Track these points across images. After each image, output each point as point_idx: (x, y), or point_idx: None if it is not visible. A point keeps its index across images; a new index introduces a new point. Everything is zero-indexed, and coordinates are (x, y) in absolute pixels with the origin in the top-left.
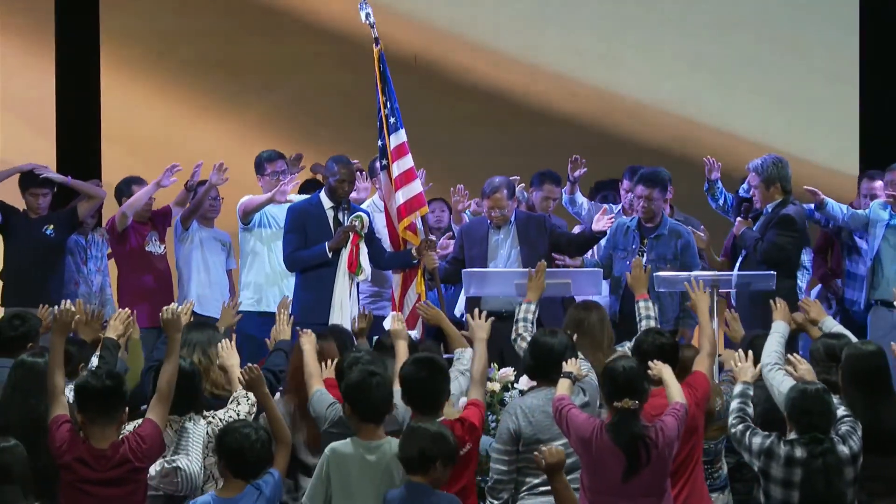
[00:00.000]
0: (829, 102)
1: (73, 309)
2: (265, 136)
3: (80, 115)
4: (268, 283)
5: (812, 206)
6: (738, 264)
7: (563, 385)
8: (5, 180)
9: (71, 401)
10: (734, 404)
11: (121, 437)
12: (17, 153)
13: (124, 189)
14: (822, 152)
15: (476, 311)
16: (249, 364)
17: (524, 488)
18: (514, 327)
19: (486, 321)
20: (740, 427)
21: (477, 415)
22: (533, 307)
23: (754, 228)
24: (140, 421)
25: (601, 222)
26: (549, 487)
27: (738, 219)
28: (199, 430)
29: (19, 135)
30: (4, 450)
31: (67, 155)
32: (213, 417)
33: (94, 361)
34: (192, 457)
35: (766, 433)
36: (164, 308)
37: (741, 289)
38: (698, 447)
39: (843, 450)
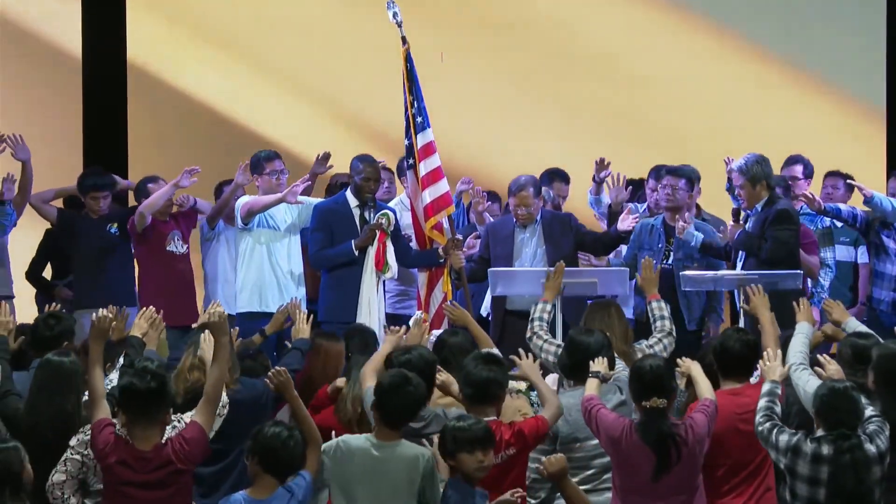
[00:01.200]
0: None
1: (110, 315)
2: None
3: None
4: (267, 283)
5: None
6: (740, 265)
7: (592, 385)
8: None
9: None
10: (761, 402)
11: (164, 438)
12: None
13: (141, 188)
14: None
15: (521, 352)
16: (277, 367)
17: None
18: (529, 326)
19: (533, 360)
20: (767, 425)
21: (533, 426)
22: (549, 307)
23: (748, 229)
24: (185, 421)
25: (626, 221)
26: (587, 487)
27: (730, 223)
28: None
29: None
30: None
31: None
32: (179, 421)
33: (121, 361)
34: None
35: (793, 430)
36: (208, 311)
37: (767, 288)
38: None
39: (871, 448)
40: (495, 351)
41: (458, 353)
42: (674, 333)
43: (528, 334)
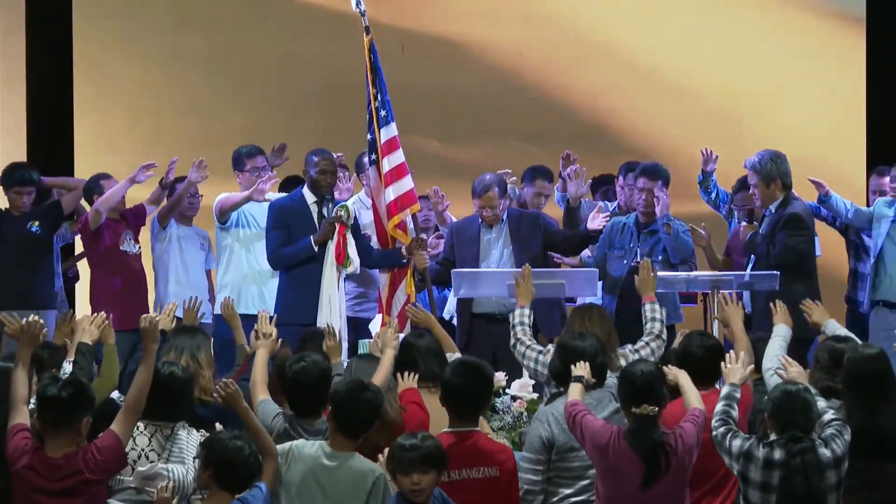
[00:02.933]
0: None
1: (41, 322)
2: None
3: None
4: (246, 284)
5: (815, 201)
6: (749, 269)
7: (575, 390)
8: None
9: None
10: (718, 406)
11: (78, 447)
12: None
13: (93, 186)
14: (828, 149)
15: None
16: (224, 379)
17: (555, 499)
18: (511, 332)
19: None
20: (722, 430)
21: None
22: (527, 311)
23: (760, 231)
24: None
25: (596, 221)
26: (582, 497)
27: (743, 223)
28: (193, 440)
29: None
30: None
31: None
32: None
33: (67, 367)
34: (188, 465)
35: (747, 435)
36: (143, 316)
37: (742, 289)
38: None
39: (825, 452)
40: (457, 354)
41: (427, 355)
42: (664, 337)
43: (512, 341)
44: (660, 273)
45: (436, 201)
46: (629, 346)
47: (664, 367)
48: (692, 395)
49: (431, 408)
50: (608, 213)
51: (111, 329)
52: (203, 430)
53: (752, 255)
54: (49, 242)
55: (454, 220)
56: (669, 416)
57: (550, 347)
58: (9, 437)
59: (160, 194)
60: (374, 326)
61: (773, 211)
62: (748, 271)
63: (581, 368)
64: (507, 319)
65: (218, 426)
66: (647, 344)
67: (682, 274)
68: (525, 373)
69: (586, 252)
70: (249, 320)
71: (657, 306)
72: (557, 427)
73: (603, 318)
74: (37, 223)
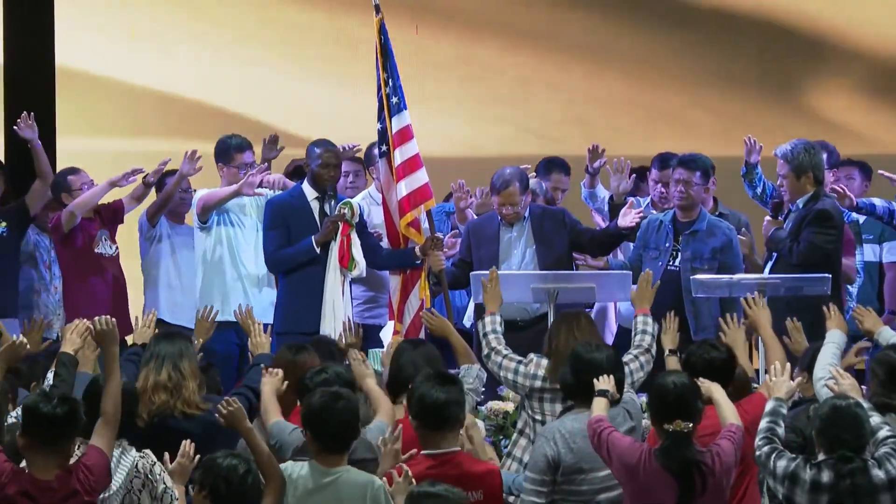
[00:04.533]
0: None
1: (24, 340)
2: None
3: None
4: (231, 289)
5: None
6: (768, 268)
7: (600, 405)
8: None
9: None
10: (763, 423)
11: (67, 467)
12: None
13: (61, 182)
14: None
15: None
16: (227, 398)
17: None
18: (483, 342)
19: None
20: (766, 449)
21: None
22: (498, 318)
23: (785, 227)
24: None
25: (628, 217)
26: None
27: (767, 218)
28: (126, 461)
29: None
30: None
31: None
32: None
33: (50, 379)
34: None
35: (793, 455)
36: (96, 318)
37: (792, 293)
38: (753, 483)
39: (878, 473)
40: (477, 366)
41: (423, 362)
42: (653, 352)
43: (485, 351)
44: (699, 276)
45: (459, 196)
46: (624, 357)
47: (697, 380)
48: (728, 410)
49: None
50: (641, 209)
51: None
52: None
53: (774, 253)
54: (17, 247)
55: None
56: (705, 431)
57: (533, 357)
58: None
59: (143, 192)
60: (386, 335)
61: (801, 206)
62: (767, 271)
63: (605, 382)
64: (531, 326)
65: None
66: (636, 357)
67: (723, 277)
68: None
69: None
70: (234, 327)
71: (650, 319)
72: (565, 446)
73: (591, 325)
74: (3, 224)
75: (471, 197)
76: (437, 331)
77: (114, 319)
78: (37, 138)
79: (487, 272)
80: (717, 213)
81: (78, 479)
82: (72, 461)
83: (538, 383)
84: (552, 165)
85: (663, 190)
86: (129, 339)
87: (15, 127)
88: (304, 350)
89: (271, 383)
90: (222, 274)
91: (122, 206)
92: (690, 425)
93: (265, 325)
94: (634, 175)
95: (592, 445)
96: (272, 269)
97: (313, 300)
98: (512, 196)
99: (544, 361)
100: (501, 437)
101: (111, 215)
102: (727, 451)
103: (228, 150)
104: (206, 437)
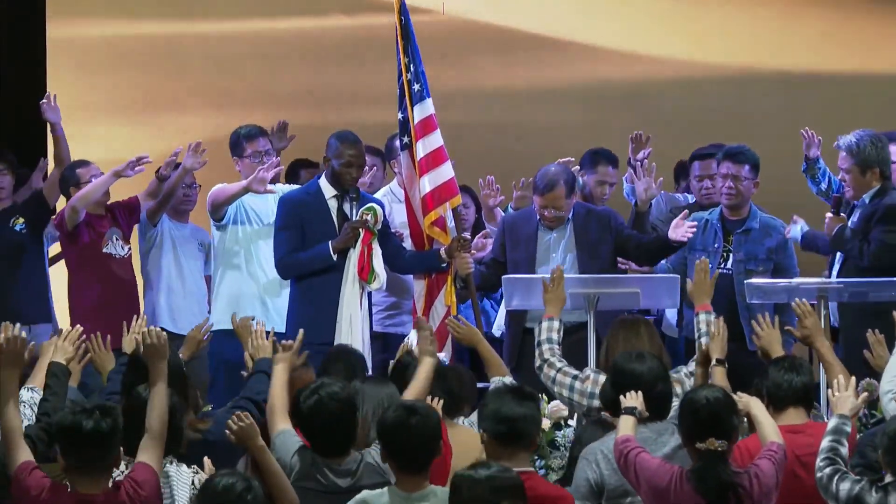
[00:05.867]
0: None
1: (24, 335)
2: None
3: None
4: (247, 294)
5: None
6: (835, 271)
7: (626, 424)
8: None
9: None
10: (824, 442)
11: (112, 481)
12: None
13: (69, 176)
14: None
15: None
16: (239, 412)
17: None
18: (536, 351)
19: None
20: (828, 470)
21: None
22: (556, 324)
23: (850, 225)
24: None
25: (680, 230)
26: None
27: (828, 215)
28: (184, 477)
29: None
30: None
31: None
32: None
33: (25, 395)
34: None
35: (858, 478)
36: (145, 330)
37: (856, 299)
38: None
39: None
40: (508, 379)
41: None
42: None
43: (538, 362)
44: (754, 280)
45: (486, 193)
46: (684, 369)
47: (734, 395)
48: (769, 427)
49: (455, 442)
50: (694, 224)
51: (105, 349)
52: (195, 466)
53: (839, 253)
54: (39, 243)
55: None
56: (744, 452)
57: (590, 373)
58: (22, 477)
59: (157, 188)
60: (412, 339)
61: (868, 202)
62: (834, 274)
63: (632, 398)
64: (572, 333)
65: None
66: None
67: (780, 281)
68: None
69: None
70: None
71: (713, 318)
72: (608, 468)
73: (652, 335)
74: (21, 220)
75: (500, 195)
76: (465, 340)
77: (164, 333)
78: (60, 122)
79: (522, 276)
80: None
81: (127, 494)
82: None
83: (595, 402)
84: (598, 157)
85: (710, 185)
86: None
87: (41, 107)
88: (301, 365)
89: (284, 361)
90: (237, 277)
91: (137, 203)
92: (725, 444)
93: (273, 333)
94: (662, 179)
95: (619, 468)
96: (282, 275)
97: (328, 308)
98: (557, 199)
99: (601, 378)
100: (536, 457)
101: (126, 213)
102: (767, 472)
103: (239, 141)
104: (207, 454)
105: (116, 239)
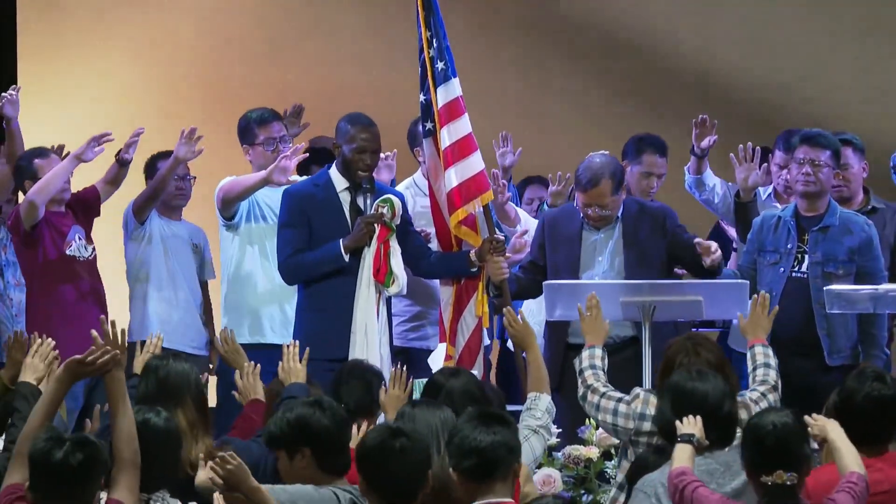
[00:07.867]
0: None
1: (123, 329)
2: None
3: None
4: (262, 302)
5: None
6: None
7: (684, 454)
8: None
9: None
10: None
11: None
12: None
13: (24, 167)
14: None
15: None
16: (223, 453)
17: None
18: (579, 380)
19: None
20: None
21: None
22: (599, 352)
23: None
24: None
25: (707, 258)
26: None
27: None
28: None
29: None
30: None
31: None
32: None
33: None
34: None
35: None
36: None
37: None
38: None
39: None
40: (548, 397)
41: (461, 400)
42: (779, 388)
43: (581, 391)
44: (834, 287)
45: (496, 189)
46: (748, 394)
47: (808, 417)
48: (849, 456)
49: None
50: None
51: (55, 363)
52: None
53: None
54: None
55: (522, 216)
56: (819, 485)
57: (640, 392)
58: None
59: (118, 173)
60: (436, 361)
61: None
62: None
63: (690, 424)
64: (619, 351)
65: None
66: (764, 395)
67: (865, 288)
68: None
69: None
70: (268, 351)
71: (770, 350)
72: (668, 501)
73: (719, 351)
74: None
75: (509, 191)
76: (518, 338)
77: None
78: (17, 117)
79: (565, 281)
80: (869, 208)
81: None
82: None
83: (646, 425)
84: (644, 144)
85: (809, 171)
86: None
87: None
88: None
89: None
90: (251, 283)
91: (96, 193)
92: (795, 476)
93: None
94: (766, 165)
95: (673, 503)
96: (287, 279)
97: (341, 319)
98: (601, 197)
99: (653, 398)
100: (583, 491)
101: (85, 207)
102: None
103: (249, 127)
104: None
105: (80, 238)
